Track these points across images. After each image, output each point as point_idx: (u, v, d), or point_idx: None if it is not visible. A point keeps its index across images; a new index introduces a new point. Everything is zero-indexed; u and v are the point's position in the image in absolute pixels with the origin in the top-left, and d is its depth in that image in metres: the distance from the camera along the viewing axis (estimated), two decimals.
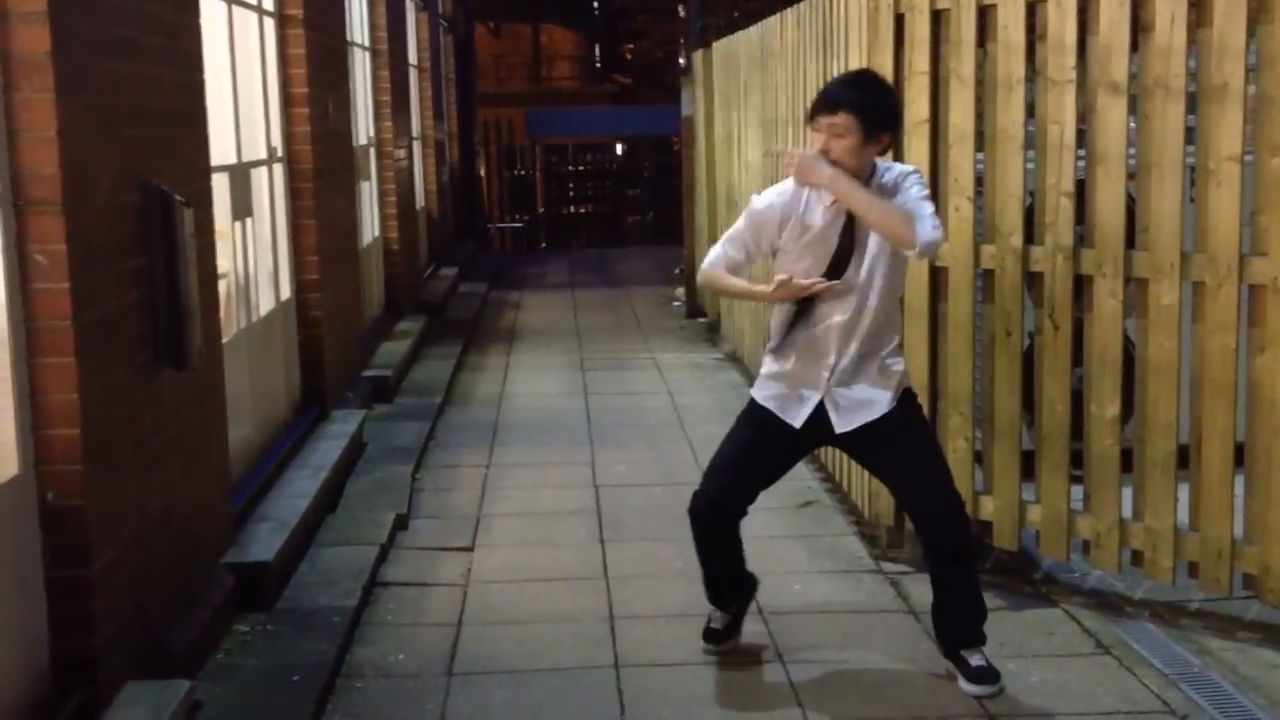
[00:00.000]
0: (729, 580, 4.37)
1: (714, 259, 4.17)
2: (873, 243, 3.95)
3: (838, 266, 3.96)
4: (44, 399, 3.41)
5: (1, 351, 3.34)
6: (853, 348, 4.01)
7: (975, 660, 4.11)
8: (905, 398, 4.10)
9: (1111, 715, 3.91)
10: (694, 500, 4.20)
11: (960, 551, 4.09)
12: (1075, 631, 4.51)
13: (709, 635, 4.40)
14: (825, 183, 3.88)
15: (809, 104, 4.07)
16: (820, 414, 4.06)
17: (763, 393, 4.16)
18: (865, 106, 3.86)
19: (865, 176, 3.93)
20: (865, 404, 4.04)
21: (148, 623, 3.88)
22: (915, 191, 3.93)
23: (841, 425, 4.06)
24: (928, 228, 3.83)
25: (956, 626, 4.18)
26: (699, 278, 4.29)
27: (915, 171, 4.02)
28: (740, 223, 4.14)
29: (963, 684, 4.09)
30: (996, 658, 4.25)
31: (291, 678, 4.08)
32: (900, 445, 4.07)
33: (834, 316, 3.99)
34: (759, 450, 4.15)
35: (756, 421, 4.16)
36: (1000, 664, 4.21)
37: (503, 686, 4.18)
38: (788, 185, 4.05)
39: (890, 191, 3.93)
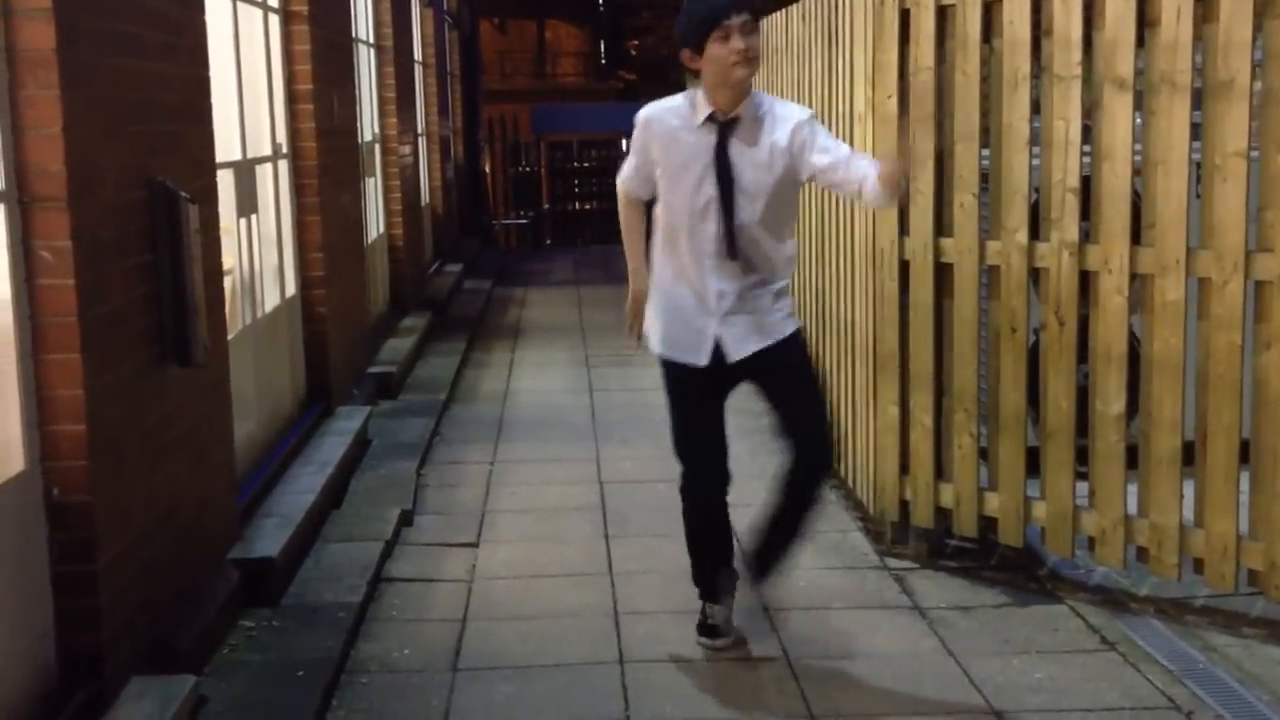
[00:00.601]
0: (723, 568, 4.40)
1: (624, 176, 4.30)
2: (749, 171, 3.98)
3: (717, 191, 3.98)
4: (50, 394, 3.41)
5: (7, 347, 3.34)
6: (736, 277, 4.05)
7: (765, 591, 4.34)
8: (795, 337, 4.16)
9: (1116, 711, 3.90)
10: (687, 488, 4.30)
11: (816, 479, 4.15)
12: (1080, 627, 4.51)
13: (709, 630, 4.40)
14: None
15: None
16: (719, 350, 4.10)
17: (659, 339, 4.20)
18: (754, 7, 3.98)
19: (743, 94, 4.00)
20: (754, 332, 4.09)
21: (153, 618, 3.89)
22: (828, 139, 4.04)
23: (734, 354, 4.09)
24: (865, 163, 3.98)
25: (773, 548, 4.26)
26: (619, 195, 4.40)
27: (812, 115, 4.07)
28: (635, 134, 4.19)
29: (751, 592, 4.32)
30: (1002, 654, 4.26)
31: (297, 673, 4.09)
32: (789, 377, 4.15)
33: (711, 245, 4.03)
34: (706, 410, 4.20)
35: (681, 384, 4.20)
36: (1006, 660, 4.22)
37: (507, 682, 4.18)
38: (677, 99, 4.09)
39: (778, 131, 3.98)
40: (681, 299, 4.12)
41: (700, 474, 4.26)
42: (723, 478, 4.27)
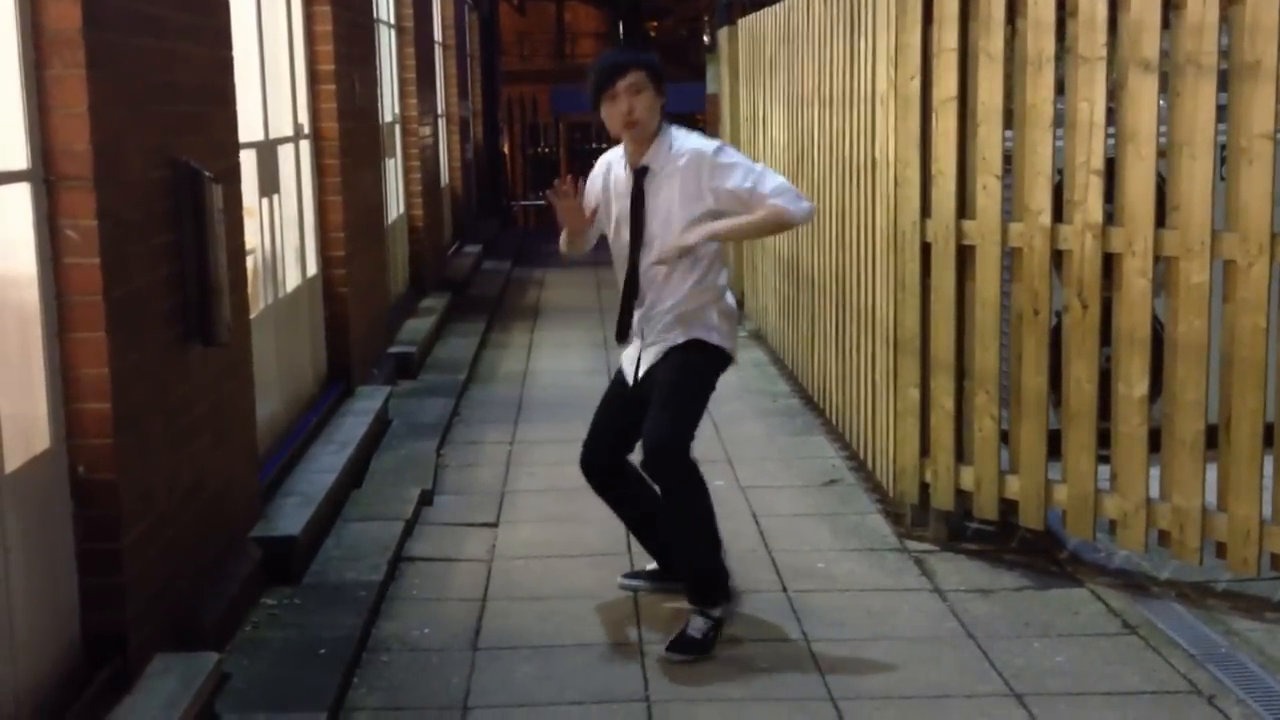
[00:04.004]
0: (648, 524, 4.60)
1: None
2: (659, 214, 4.21)
3: (632, 230, 4.27)
4: (75, 373, 3.43)
5: (33, 326, 3.36)
6: (652, 303, 4.28)
7: (690, 629, 4.24)
8: (688, 345, 4.29)
9: (1137, 695, 3.90)
10: (581, 458, 4.55)
11: (666, 479, 4.23)
12: (1101, 611, 4.51)
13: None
14: (699, 240, 4.15)
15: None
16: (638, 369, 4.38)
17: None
18: (647, 63, 4.21)
19: (654, 134, 4.23)
20: (656, 348, 4.32)
21: (177, 595, 3.91)
22: (745, 177, 4.15)
23: (644, 368, 4.34)
24: (790, 202, 4.13)
25: (666, 544, 4.54)
26: None
27: (723, 148, 4.25)
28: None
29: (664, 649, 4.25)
30: (1023, 637, 4.26)
31: (318, 651, 4.11)
32: (660, 381, 4.27)
33: (624, 272, 4.32)
34: (619, 405, 4.46)
35: (616, 383, 4.52)
36: (1026, 643, 4.22)
37: (527, 661, 4.20)
38: (621, 150, 4.35)
39: (693, 171, 4.16)
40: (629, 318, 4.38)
41: (600, 457, 4.50)
42: (623, 456, 4.49)
